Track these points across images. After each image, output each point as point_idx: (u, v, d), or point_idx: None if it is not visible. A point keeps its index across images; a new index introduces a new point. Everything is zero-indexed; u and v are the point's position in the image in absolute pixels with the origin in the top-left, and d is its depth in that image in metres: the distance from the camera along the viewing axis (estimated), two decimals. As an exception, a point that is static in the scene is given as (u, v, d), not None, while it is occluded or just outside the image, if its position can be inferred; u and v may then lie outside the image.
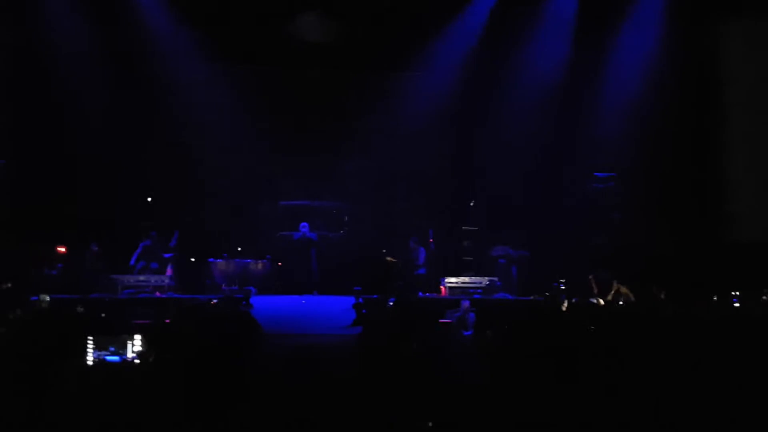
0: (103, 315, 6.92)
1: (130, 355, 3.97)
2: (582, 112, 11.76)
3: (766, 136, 11.34)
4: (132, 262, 10.81)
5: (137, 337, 3.94)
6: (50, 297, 7.55)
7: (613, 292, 8.27)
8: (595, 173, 11.59)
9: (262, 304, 10.05)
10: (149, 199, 11.71)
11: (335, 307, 9.90)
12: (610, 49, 11.63)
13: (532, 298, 10.01)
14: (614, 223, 11.34)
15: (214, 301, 8.60)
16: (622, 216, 11.39)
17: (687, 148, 11.45)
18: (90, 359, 3.89)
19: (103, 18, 11.00)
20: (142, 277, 10.54)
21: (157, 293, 10.20)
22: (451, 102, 12.07)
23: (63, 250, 10.79)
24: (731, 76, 11.50)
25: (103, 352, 3.94)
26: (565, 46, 11.69)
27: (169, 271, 10.79)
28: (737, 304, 7.12)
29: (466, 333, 8.13)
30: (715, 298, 7.82)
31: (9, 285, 8.60)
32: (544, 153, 11.69)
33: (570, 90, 11.70)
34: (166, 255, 10.95)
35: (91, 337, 3.89)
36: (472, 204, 12.21)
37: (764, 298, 6.83)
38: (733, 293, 7.48)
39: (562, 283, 10.22)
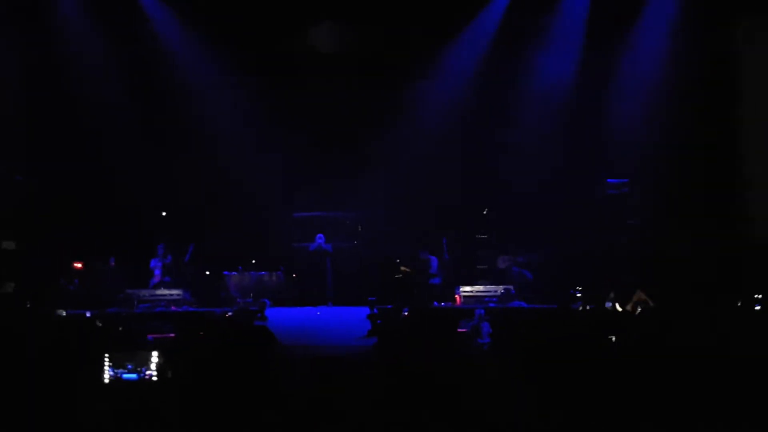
0: (120, 329, 6.96)
1: (148, 372, 3.97)
2: (596, 117, 11.69)
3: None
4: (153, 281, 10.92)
5: (155, 354, 3.95)
6: (67, 312, 7.61)
7: (634, 299, 8.17)
8: (608, 180, 11.50)
9: (277, 315, 10.06)
10: (163, 214, 11.80)
11: (350, 318, 9.88)
12: (623, 51, 11.57)
13: (538, 306, 9.94)
14: (630, 229, 11.22)
15: (229, 313, 8.63)
16: (637, 221, 11.27)
17: (704, 150, 11.32)
18: (107, 377, 3.90)
19: (119, 32, 11.16)
20: (158, 292, 10.61)
21: (173, 307, 10.25)
22: (463, 110, 12.06)
23: (79, 265, 10.90)
24: (748, 75, 11.36)
25: (121, 370, 3.95)
26: (578, 50, 11.64)
27: (156, 273, 10.82)
28: (758, 308, 7.01)
29: (481, 342, 8.07)
30: (740, 303, 7.69)
31: (27, 302, 8.68)
32: (558, 159, 11.63)
33: (583, 95, 11.64)
34: (154, 267, 11.02)
35: (107, 355, 3.90)
36: (485, 212, 12.16)
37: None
38: (756, 296, 7.34)
39: (578, 290, 10.13)
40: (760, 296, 7.07)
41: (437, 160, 12.04)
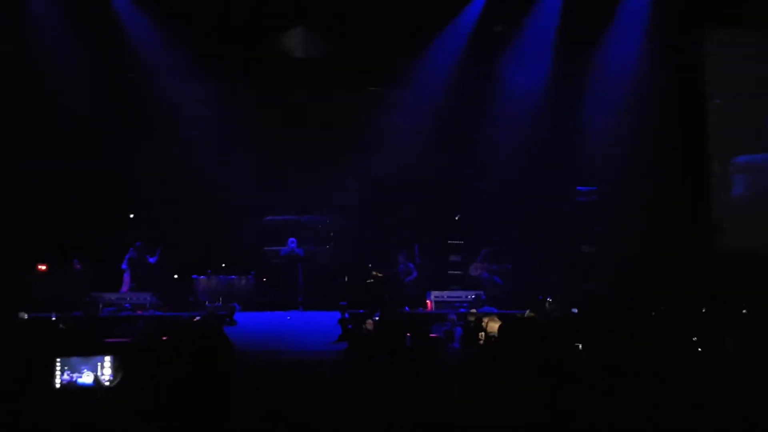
0: (86, 332, 6.80)
1: (100, 377, 3.85)
2: (565, 125, 11.84)
3: (750, 146, 11.48)
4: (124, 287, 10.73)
5: (107, 359, 3.84)
6: (28, 315, 7.41)
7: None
8: (578, 187, 11.64)
9: (247, 320, 9.95)
10: (131, 216, 11.60)
11: (321, 323, 9.82)
12: (593, 61, 11.73)
13: (507, 311, 9.99)
14: (598, 237, 11.38)
15: (197, 318, 8.50)
16: (605, 229, 11.44)
17: (671, 158, 11.55)
18: (58, 382, 3.77)
19: (91, 35, 10.97)
20: (123, 295, 10.41)
21: (139, 311, 10.05)
22: (436, 116, 12.10)
23: (44, 267, 10.64)
24: (715, 86, 11.63)
25: (76, 375, 3.82)
26: (548, 59, 11.78)
27: (125, 283, 10.66)
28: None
29: (453, 347, 8.07)
30: (704, 310, 7.81)
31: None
32: (528, 166, 11.75)
33: (553, 103, 11.79)
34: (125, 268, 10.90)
35: (59, 360, 3.78)
36: (457, 218, 12.23)
37: (744, 311, 6.86)
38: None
39: (547, 297, 10.21)
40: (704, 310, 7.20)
41: (410, 166, 12.06)
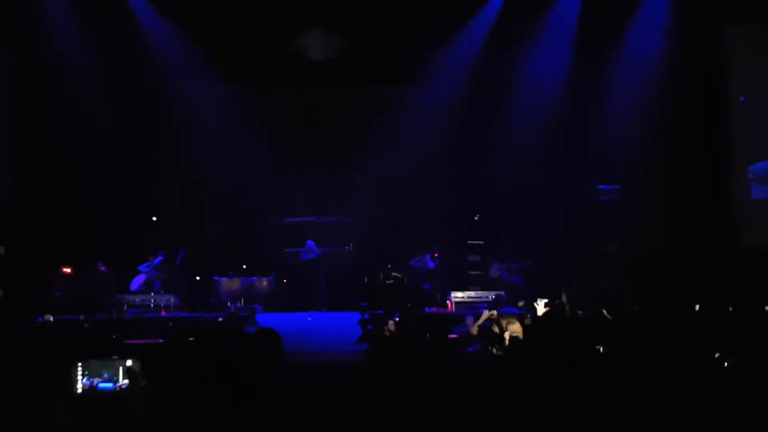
0: (114, 336, 6.89)
1: (121, 381, 3.88)
2: (586, 122, 11.70)
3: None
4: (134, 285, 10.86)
5: (129, 362, 3.86)
6: (54, 317, 7.54)
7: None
8: (600, 185, 11.50)
9: (268, 321, 9.99)
10: (154, 219, 11.75)
11: (341, 324, 9.84)
12: (613, 56, 11.57)
13: (528, 312, 9.89)
14: (620, 235, 11.23)
15: (220, 319, 8.57)
16: (628, 227, 11.27)
17: (692, 156, 11.35)
18: (80, 387, 3.79)
19: (108, 37, 11.09)
20: (147, 297, 10.55)
21: (163, 312, 10.19)
22: (455, 114, 12.05)
23: (69, 270, 10.82)
24: (737, 81, 11.42)
25: (96, 379, 3.85)
26: (569, 55, 11.65)
27: (135, 281, 10.77)
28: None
29: (472, 349, 8.01)
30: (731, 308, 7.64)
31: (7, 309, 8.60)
32: (549, 163, 11.63)
33: (574, 100, 11.65)
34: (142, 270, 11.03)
35: (80, 364, 3.81)
36: (476, 218, 12.16)
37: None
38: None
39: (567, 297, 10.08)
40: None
41: (428, 165, 12.02)
